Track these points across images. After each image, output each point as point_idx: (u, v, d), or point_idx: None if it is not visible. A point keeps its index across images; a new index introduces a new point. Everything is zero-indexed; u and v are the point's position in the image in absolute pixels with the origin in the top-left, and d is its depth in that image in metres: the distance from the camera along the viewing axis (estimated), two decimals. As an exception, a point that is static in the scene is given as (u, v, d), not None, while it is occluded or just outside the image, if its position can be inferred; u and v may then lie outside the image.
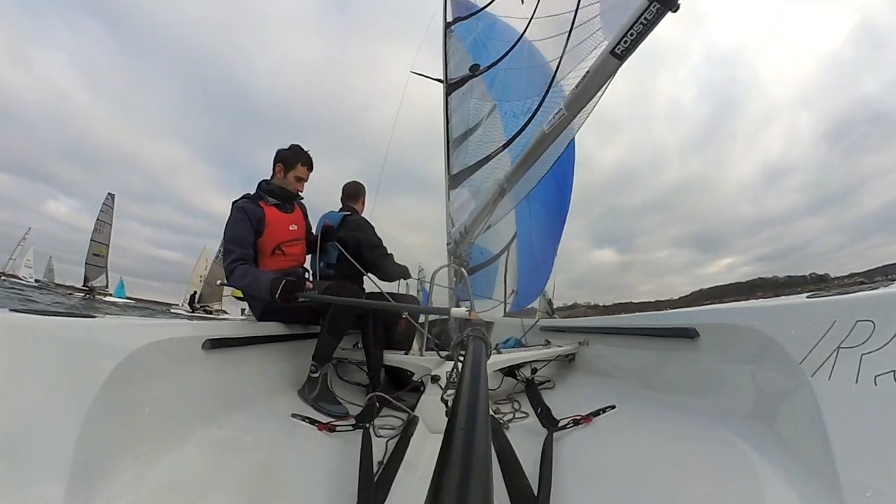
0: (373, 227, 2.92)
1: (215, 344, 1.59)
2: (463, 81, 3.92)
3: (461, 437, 0.47)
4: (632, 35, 1.43)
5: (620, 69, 1.60)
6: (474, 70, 3.81)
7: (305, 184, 2.56)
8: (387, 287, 2.77)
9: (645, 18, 1.37)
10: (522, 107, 2.98)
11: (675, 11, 1.34)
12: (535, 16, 2.87)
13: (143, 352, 1.17)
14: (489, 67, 3.68)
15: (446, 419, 0.55)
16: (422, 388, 2.19)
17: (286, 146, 2.49)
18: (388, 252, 2.89)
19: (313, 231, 2.78)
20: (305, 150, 2.51)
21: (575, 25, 2.07)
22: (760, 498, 0.95)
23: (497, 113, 3.56)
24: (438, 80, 4.28)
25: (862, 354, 0.87)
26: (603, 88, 1.71)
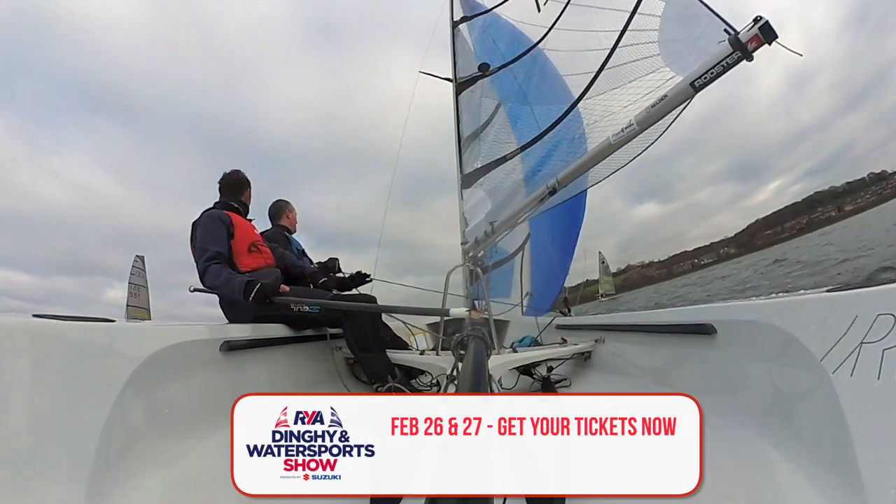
0: (291, 240, 3.29)
1: (232, 346, 1.62)
2: (472, 80, 3.91)
3: None
4: (711, 73, 1.66)
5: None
6: (483, 69, 3.80)
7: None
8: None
9: (726, 62, 1.60)
10: (542, 112, 2.98)
11: (749, 61, 1.56)
12: (555, 26, 2.92)
13: (162, 354, 1.20)
14: (500, 68, 3.66)
15: None
16: (438, 388, 2.20)
17: (233, 171, 2.68)
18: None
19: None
20: None
21: (620, 45, 2.22)
22: (780, 497, 0.92)
23: (503, 113, 3.55)
24: (447, 80, 4.27)
25: (884, 350, 0.83)
26: (676, 113, 1.89)
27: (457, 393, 0.61)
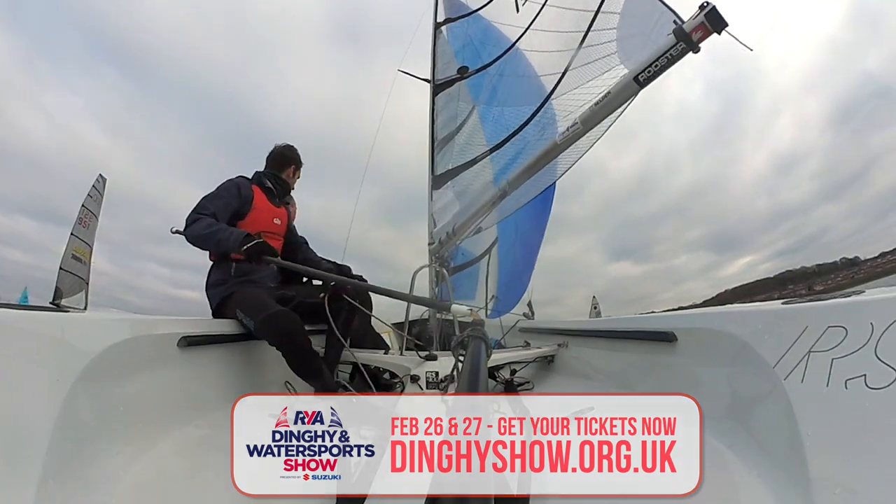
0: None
1: (191, 342, 1.54)
2: (451, 83, 3.92)
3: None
4: (655, 67, 1.58)
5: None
6: (462, 72, 3.83)
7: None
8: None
9: (670, 55, 1.52)
10: (514, 113, 3.01)
11: (696, 53, 1.49)
12: (531, 27, 2.93)
13: (117, 349, 1.13)
14: (478, 70, 3.70)
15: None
16: (399, 388, 2.18)
17: (283, 145, 2.61)
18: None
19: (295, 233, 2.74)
20: None
21: (584, 45, 2.18)
22: (735, 495, 0.98)
23: (477, 115, 3.58)
24: (426, 80, 4.26)
25: (833, 359, 0.91)
26: (620, 110, 1.83)
27: (457, 393, 0.60)
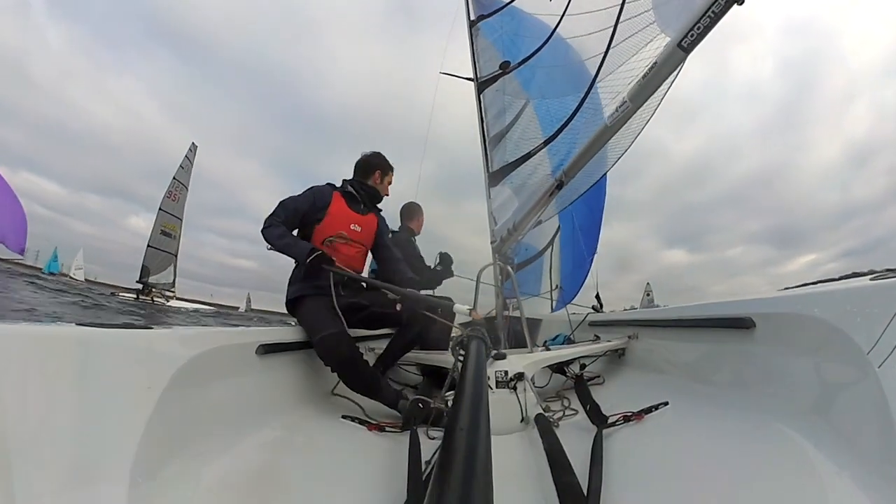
0: (413, 245, 3.36)
1: (268, 349, 1.69)
2: (494, 79, 3.88)
3: (461, 437, 0.48)
4: (698, 29, 1.49)
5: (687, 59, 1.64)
6: (504, 67, 3.77)
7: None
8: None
9: (713, 12, 1.43)
10: (560, 104, 2.92)
11: (740, 4, 1.39)
12: (566, 13, 2.84)
13: (200, 359, 1.26)
14: (519, 65, 3.63)
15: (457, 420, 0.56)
16: None
17: (369, 153, 2.63)
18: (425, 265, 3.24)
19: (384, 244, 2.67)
20: None
21: (620, 21, 2.07)
22: (824, 499, 0.87)
23: (531, 109, 3.50)
24: (469, 79, 4.25)
25: None
26: (669, 81, 1.74)
27: (457, 393, 0.61)
